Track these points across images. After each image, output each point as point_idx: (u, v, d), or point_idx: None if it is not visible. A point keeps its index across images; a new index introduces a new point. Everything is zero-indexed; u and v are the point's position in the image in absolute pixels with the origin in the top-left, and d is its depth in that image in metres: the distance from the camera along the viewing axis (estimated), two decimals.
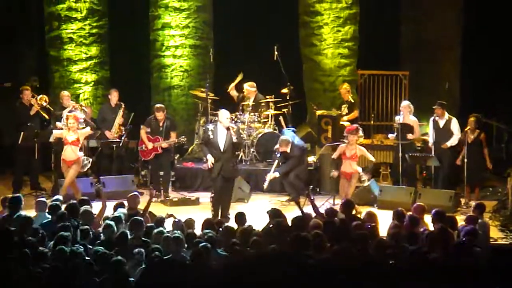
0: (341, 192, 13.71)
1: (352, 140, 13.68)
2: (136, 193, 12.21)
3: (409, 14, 17.67)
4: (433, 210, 10.95)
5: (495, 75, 17.40)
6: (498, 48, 17.27)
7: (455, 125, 14.90)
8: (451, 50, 17.40)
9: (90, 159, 14.56)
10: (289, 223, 10.67)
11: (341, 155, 13.76)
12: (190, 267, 8.77)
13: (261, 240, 9.71)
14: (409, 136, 14.91)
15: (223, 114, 13.22)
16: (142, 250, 9.29)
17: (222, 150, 13.07)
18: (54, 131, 14.50)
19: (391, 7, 17.72)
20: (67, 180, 13.92)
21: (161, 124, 15.03)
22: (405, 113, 15.05)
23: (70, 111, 14.84)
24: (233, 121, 15.90)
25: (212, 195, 13.42)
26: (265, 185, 14.56)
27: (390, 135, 15.39)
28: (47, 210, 11.26)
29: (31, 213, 11.27)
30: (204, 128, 13.60)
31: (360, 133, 14.00)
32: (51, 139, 15.30)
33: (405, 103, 15.31)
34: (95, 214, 11.20)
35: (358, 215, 11.79)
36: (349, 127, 14.04)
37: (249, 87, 16.28)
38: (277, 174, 14.57)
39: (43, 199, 11.83)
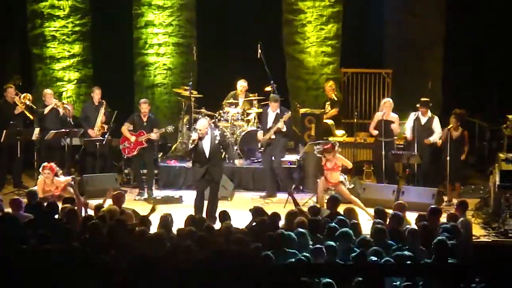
0: (319, 191, 13.64)
1: (329, 157, 13.54)
2: (121, 191, 12.21)
3: (393, 13, 17.70)
4: (431, 207, 11.19)
5: (478, 73, 17.48)
6: (480, 47, 17.36)
7: (437, 124, 14.97)
8: (434, 48, 17.44)
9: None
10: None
11: (323, 167, 13.69)
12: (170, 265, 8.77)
13: (243, 237, 9.73)
14: (394, 127, 14.89)
15: (201, 124, 13.21)
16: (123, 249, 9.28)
17: (207, 157, 13.07)
18: (38, 188, 13.35)
19: (374, 6, 17.74)
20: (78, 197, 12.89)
21: (144, 119, 14.99)
22: (387, 110, 15.07)
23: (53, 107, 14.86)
24: (217, 119, 15.95)
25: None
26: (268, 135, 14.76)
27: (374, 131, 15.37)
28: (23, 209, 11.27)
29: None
30: (189, 134, 13.62)
31: (337, 148, 13.82)
32: (34, 138, 15.30)
33: (386, 100, 15.33)
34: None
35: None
36: (325, 146, 13.85)
37: (244, 83, 16.29)
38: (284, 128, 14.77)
39: (19, 198, 11.78)
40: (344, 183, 13.74)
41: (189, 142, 13.44)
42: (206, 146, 13.07)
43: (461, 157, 14.73)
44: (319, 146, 14.09)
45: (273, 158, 15.12)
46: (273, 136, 14.90)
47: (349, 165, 13.97)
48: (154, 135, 14.98)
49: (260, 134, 15.10)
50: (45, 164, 13.51)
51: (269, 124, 14.98)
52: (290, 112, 15.06)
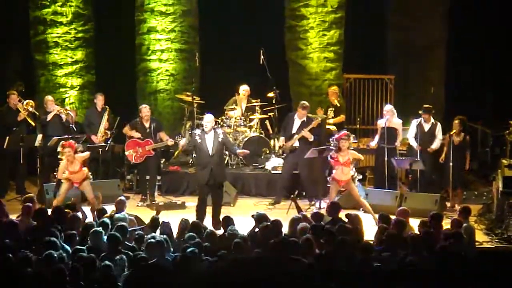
0: (330, 196, 13.56)
1: (344, 147, 13.50)
2: (122, 197, 12.21)
3: (395, 19, 17.73)
4: (432, 213, 11.14)
5: (480, 79, 17.47)
6: (483, 53, 17.35)
7: (439, 130, 14.95)
8: (437, 54, 17.47)
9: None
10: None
11: (334, 161, 13.61)
12: (174, 272, 8.77)
13: (243, 243, 9.73)
14: (397, 143, 14.93)
15: (206, 118, 13.21)
16: (124, 256, 9.26)
17: (210, 154, 12.97)
18: (59, 173, 13.35)
19: (376, 11, 17.76)
20: (90, 196, 13.21)
21: (147, 125, 14.99)
22: (390, 117, 15.05)
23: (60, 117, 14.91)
24: (219, 125, 15.96)
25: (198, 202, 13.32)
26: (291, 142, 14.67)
27: (371, 144, 15.33)
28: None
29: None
30: (190, 133, 13.61)
31: (352, 139, 13.90)
32: (36, 144, 15.29)
33: (388, 107, 15.31)
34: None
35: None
36: (340, 134, 13.90)
37: (246, 88, 16.32)
38: (311, 138, 14.59)
39: (31, 204, 11.73)
40: (354, 178, 13.70)
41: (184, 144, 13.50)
42: (209, 143, 12.97)
43: (463, 162, 14.71)
44: (334, 137, 14.05)
45: (295, 169, 15.04)
46: (297, 144, 14.83)
47: (361, 157, 14.03)
48: (170, 142, 14.96)
49: (282, 140, 14.99)
50: (64, 142, 13.36)
51: (294, 130, 14.78)
52: (319, 118, 14.98)
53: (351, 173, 13.58)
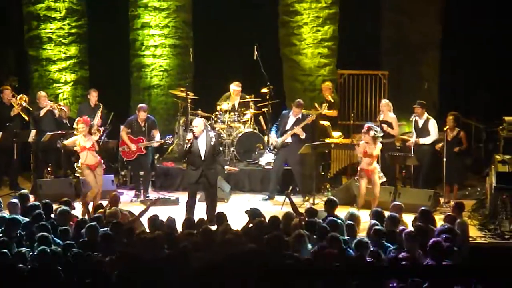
0: (362, 191, 13.51)
1: (366, 139, 13.44)
2: (116, 193, 12.22)
3: (389, 14, 17.71)
4: (420, 209, 11.12)
5: (474, 75, 17.46)
6: (477, 50, 17.33)
7: (432, 126, 14.92)
8: (430, 50, 17.45)
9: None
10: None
11: (363, 151, 13.48)
12: (168, 268, 8.77)
13: (234, 238, 9.73)
14: (389, 129, 14.83)
15: (194, 122, 13.18)
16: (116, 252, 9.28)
17: (203, 158, 12.98)
18: (69, 140, 13.73)
19: (371, 7, 17.73)
20: (100, 185, 13.47)
21: (142, 124, 14.97)
22: (385, 111, 15.08)
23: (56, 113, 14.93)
24: (213, 121, 15.95)
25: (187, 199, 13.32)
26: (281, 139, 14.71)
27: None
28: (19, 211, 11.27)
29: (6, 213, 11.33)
30: (183, 129, 13.61)
31: (372, 132, 13.65)
32: (30, 140, 15.27)
33: (384, 101, 15.35)
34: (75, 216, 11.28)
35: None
36: (365, 127, 13.76)
37: (237, 87, 16.28)
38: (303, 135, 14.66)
39: (15, 200, 11.72)
40: (381, 176, 13.56)
41: (184, 142, 13.46)
42: (201, 146, 12.97)
43: (458, 158, 14.69)
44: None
45: (285, 164, 15.07)
46: (289, 140, 14.84)
47: (376, 156, 13.60)
48: (156, 144, 14.95)
49: (274, 136, 15.04)
50: (78, 119, 13.69)
51: (288, 127, 14.85)
52: (313, 115, 14.98)
53: (375, 166, 13.49)
